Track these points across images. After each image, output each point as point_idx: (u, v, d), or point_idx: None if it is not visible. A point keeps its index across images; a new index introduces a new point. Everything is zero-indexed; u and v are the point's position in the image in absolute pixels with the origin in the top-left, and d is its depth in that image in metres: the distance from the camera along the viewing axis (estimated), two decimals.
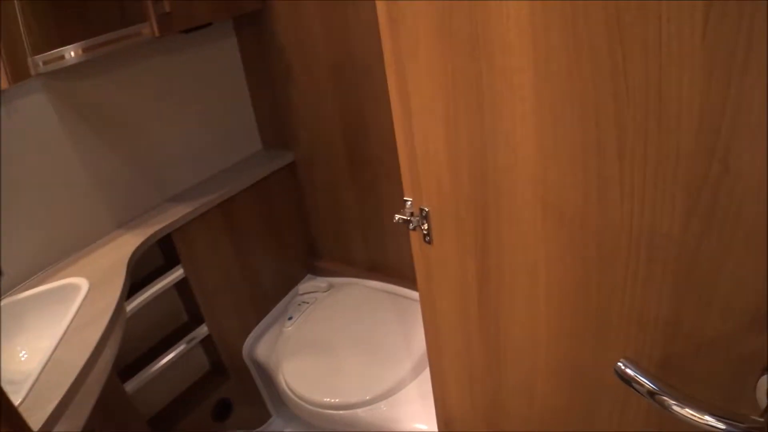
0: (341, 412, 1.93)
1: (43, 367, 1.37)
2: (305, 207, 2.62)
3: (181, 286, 2.19)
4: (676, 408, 0.71)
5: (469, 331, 1.16)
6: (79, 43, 1.72)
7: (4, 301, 1.72)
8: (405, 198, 1.14)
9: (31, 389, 1.31)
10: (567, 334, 0.95)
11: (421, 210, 1.10)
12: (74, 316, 1.57)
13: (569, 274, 0.88)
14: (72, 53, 1.72)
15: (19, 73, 1.75)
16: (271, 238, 2.51)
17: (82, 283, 1.71)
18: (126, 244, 1.94)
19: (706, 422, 0.68)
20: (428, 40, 0.89)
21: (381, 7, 0.94)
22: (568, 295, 0.91)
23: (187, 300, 2.28)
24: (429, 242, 1.12)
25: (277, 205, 2.52)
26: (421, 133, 1.00)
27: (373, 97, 2.07)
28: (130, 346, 2.15)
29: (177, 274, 2.11)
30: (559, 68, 0.74)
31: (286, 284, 2.64)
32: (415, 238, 1.17)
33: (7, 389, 1.51)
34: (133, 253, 1.88)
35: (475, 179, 0.94)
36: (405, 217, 1.13)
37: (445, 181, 1.00)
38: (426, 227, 1.11)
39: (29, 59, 1.75)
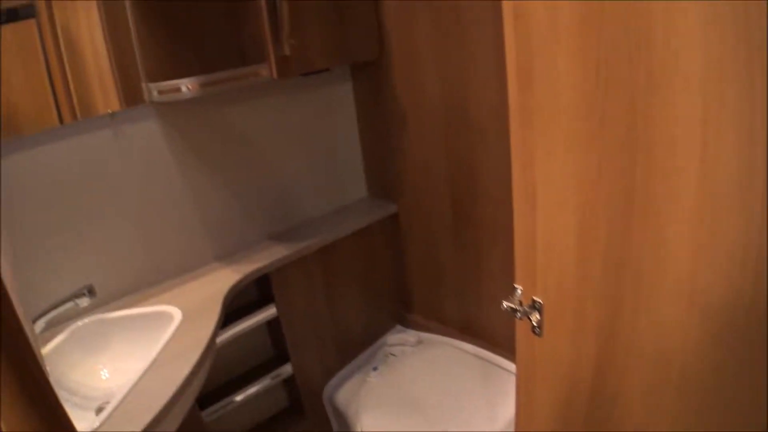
0: None
1: (130, 390, 1.40)
2: (403, 259, 2.57)
3: (271, 323, 2.20)
4: None
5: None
6: (196, 78, 1.77)
7: (93, 318, 1.79)
8: (515, 285, 1.07)
9: (115, 409, 1.34)
10: None
11: (534, 301, 1.03)
12: (165, 345, 1.60)
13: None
14: (188, 87, 1.77)
15: (131, 98, 1.84)
16: (364, 286, 2.49)
17: (176, 313, 1.75)
18: (223, 279, 1.97)
19: None
20: (571, 129, 0.83)
21: (513, 94, 0.90)
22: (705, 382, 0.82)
23: (275, 337, 2.30)
24: (539, 334, 1.05)
25: (376, 254, 2.50)
26: (546, 224, 0.94)
27: (485, 158, 2.01)
28: (212, 375, 2.16)
29: (270, 312, 2.13)
30: (728, 174, 0.67)
31: (374, 333, 2.60)
32: (521, 328, 1.10)
33: (83, 404, 1.56)
34: (230, 290, 1.90)
35: (609, 274, 0.87)
36: (513, 306, 1.07)
37: (570, 274, 0.93)
38: (537, 319, 1.04)
39: (143, 85, 1.83)
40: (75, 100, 1.83)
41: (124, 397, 1.38)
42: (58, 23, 1.88)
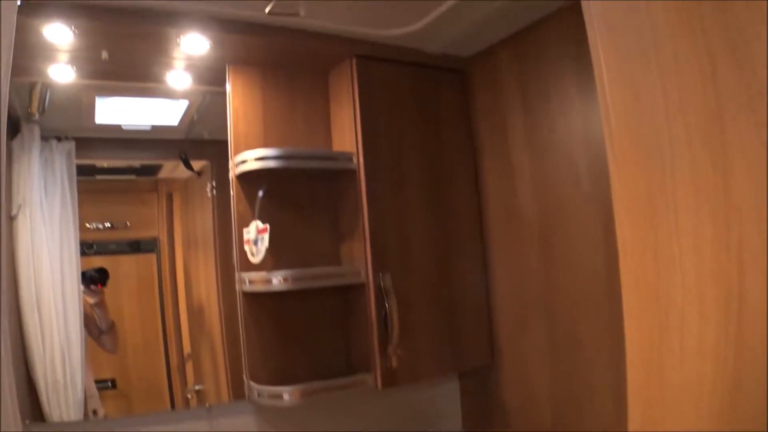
0: None
1: None
2: None
3: None
4: None
5: None
6: (299, 386, 1.78)
7: None
8: None
9: None
10: None
11: None
12: None
13: None
14: (289, 395, 1.77)
15: (236, 389, 1.90)
16: None
17: None
18: None
19: None
20: None
21: None
22: None
23: None
24: None
25: None
26: None
27: None
28: None
29: None
30: None
31: None
32: None
33: None
34: None
35: None
36: None
37: None
38: None
39: (246, 381, 1.87)
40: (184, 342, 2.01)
41: None
42: (178, 268, 2.12)
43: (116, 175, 2.15)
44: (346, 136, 1.96)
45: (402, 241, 1.93)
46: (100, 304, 1.92)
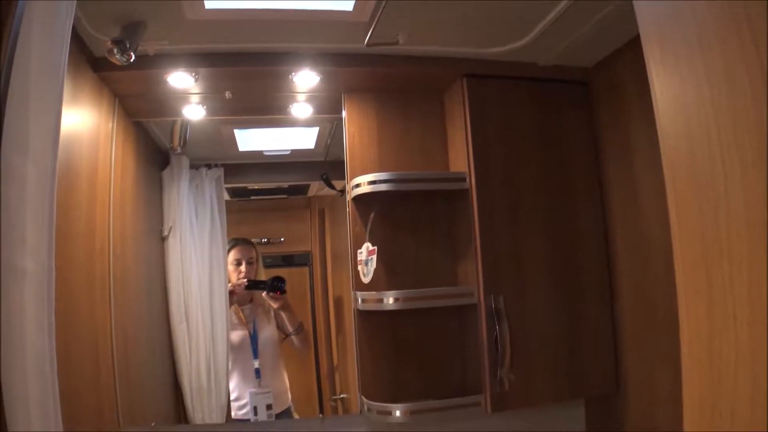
0: None
1: None
2: None
3: None
4: None
5: None
6: (408, 405, 1.81)
7: None
8: None
9: None
10: None
11: None
12: None
13: None
14: (399, 413, 1.81)
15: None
16: None
17: None
18: None
19: None
20: None
21: None
22: None
23: None
24: None
25: None
26: None
27: None
28: None
29: None
30: None
31: None
32: None
33: None
34: None
35: None
36: None
37: None
38: None
39: (359, 396, 1.93)
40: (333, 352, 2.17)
41: None
42: (329, 281, 2.25)
43: (269, 195, 2.35)
44: (460, 156, 1.96)
45: (517, 263, 1.89)
46: (284, 308, 2.14)
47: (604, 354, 1.97)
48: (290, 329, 2.14)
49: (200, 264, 2.14)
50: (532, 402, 1.91)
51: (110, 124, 1.90)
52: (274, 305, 2.14)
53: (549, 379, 1.89)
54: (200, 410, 2.06)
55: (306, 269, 2.24)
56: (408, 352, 2.00)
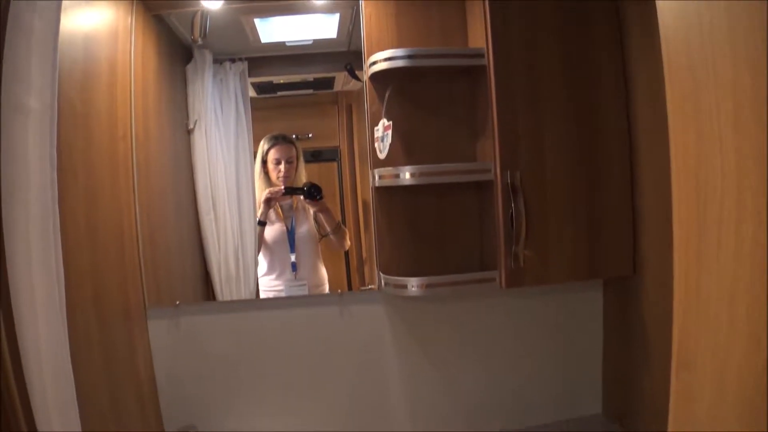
0: None
1: None
2: None
3: None
4: None
5: None
6: (423, 279, 1.83)
7: None
8: None
9: None
10: None
11: None
12: None
13: None
14: (414, 286, 1.83)
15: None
16: None
17: None
18: None
19: None
20: None
21: None
22: None
23: None
24: None
25: None
26: None
27: None
28: None
29: None
30: None
31: None
32: None
33: None
34: None
35: None
36: None
37: None
38: None
39: (377, 272, 1.99)
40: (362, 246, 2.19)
41: None
42: (358, 172, 2.24)
43: (296, 90, 2.34)
44: (479, 32, 1.89)
45: (535, 141, 1.84)
46: (322, 211, 2.16)
47: (623, 236, 1.93)
48: (328, 230, 2.15)
49: (227, 157, 2.17)
50: (548, 279, 1.89)
51: (129, 19, 1.93)
52: (312, 209, 2.17)
53: (566, 258, 1.88)
54: (230, 297, 2.12)
55: (335, 164, 2.24)
56: (426, 230, 2.02)
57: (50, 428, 1.12)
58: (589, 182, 1.89)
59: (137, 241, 1.91)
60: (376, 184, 1.92)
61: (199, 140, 2.14)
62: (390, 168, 1.87)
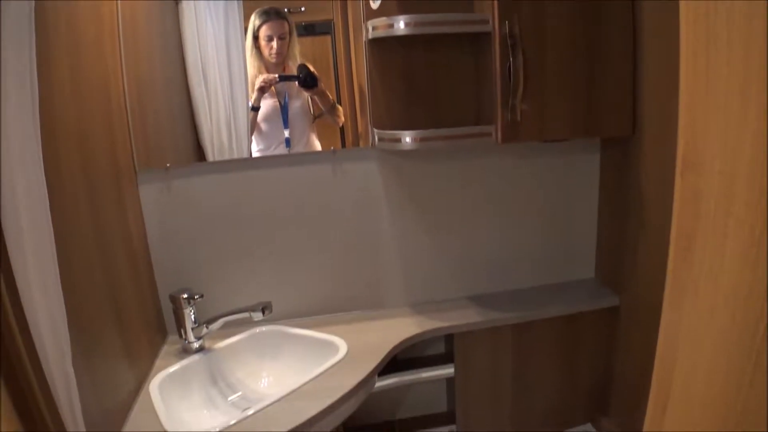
0: None
1: (277, 400, 1.59)
2: (611, 358, 2.25)
3: (450, 381, 2.18)
4: None
5: None
6: (419, 132, 1.80)
7: (273, 328, 2.01)
8: None
9: (259, 411, 1.54)
10: None
11: None
12: (324, 371, 1.74)
13: None
14: (408, 139, 1.80)
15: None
16: (557, 374, 2.24)
17: (342, 347, 1.86)
18: (400, 328, 2.00)
19: None
20: None
21: None
22: None
23: (451, 396, 2.26)
24: None
25: (579, 345, 2.22)
26: None
27: None
28: (375, 410, 2.29)
29: (448, 371, 2.11)
30: None
31: (558, 423, 2.34)
32: None
33: (239, 403, 1.78)
34: (402, 342, 1.91)
35: None
36: None
37: None
38: None
39: (370, 129, 1.96)
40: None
41: (269, 405, 1.57)
42: (352, 45, 2.14)
43: None
44: None
45: None
46: (317, 93, 2.10)
47: (623, 95, 1.90)
48: (323, 109, 2.10)
49: (216, 28, 2.09)
50: (545, 135, 1.88)
51: None
52: (307, 92, 2.12)
53: (564, 114, 1.84)
54: None
55: (328, 38, 2.16)
56: (421, 86, 1.96)
57: (30, 295, 1.06)
58: (590, 38, 1.83)
59: (125, 103, 1.85)
60: (370, 36, 1.85)
61: (187, 11, 2.06)
62: (384, 18, 1.78)
